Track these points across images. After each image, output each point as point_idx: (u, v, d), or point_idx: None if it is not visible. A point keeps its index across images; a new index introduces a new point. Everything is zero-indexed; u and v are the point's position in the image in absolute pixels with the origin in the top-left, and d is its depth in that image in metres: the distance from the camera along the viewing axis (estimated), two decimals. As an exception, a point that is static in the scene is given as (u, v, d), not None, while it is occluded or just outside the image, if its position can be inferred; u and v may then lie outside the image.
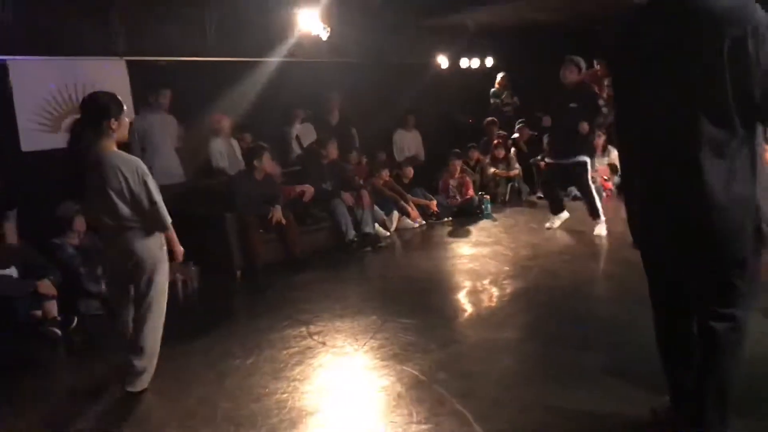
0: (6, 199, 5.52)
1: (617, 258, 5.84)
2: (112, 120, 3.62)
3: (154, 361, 3.76)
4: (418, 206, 8.27)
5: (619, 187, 8.91)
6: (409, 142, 9.98)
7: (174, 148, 7.02)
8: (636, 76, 2.35)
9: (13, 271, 5.01)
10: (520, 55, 10.80)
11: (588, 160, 6.81)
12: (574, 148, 6.73)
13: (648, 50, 2.29)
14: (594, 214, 6.73)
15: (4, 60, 6.30)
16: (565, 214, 7.22)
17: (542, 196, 7.76)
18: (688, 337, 2.48)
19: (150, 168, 6.47)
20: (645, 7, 2.33)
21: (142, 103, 7.01)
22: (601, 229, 6.66)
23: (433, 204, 8.41)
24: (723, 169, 2.15)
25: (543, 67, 11.15)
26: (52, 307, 5.02)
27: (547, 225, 7.19)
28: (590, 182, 6.78)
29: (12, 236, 5.20)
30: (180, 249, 3.89)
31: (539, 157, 7.90)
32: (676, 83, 2.21)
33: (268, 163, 6.64)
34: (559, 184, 7.32)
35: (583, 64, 6.72)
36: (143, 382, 3.69)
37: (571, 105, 6.64)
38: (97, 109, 3.61)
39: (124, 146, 6.72)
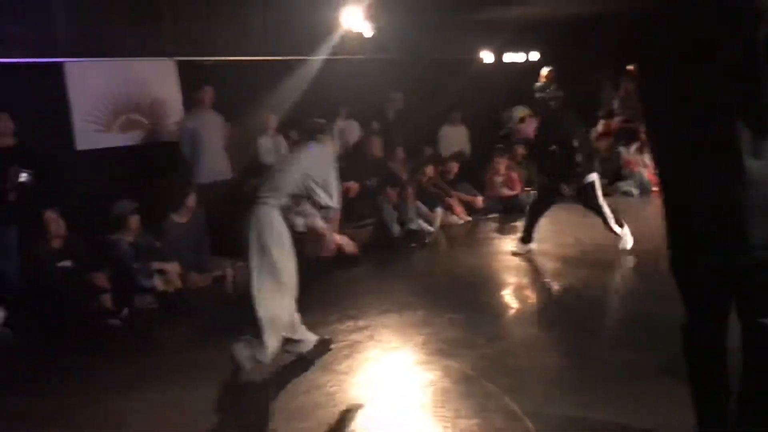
0: (50, 194, 5.72)
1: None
2: None
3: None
4: (464, 202, 8.23)
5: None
6: (455, 138, 9.94)
7: (222, 146, 7.09)
8: (672, 66, 2.27)
9: (67, 264, 5.22)
10: (566, 49, 10.66)
11: (596, 177, 5.98)
12: (582, 168, 5.86)
13: (687, 39, 2.22)
14: (611, 229, 5.91)
15: (61, 62, 6.50)
16: (533, 246, 6.24)
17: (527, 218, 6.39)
18: (723, 347, 2.38)
19: (197, 165, 6.75)
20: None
21: (188, 102, 7.15)
22: (625, 243, 5.86)
23: (479, 200, 8.36)
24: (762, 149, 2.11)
25: (588, 60, 11.10)
26: (107, 300, 5.20)
27: (514, 250, 6.28)
28: (600, 200, 5.94)
29: (61, 230, 5.37)
30: None
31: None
32: (715, 72, 2.14)
33: None
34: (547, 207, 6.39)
35: (522, 112, 6.11)
36: None
37: (550, 149, 5.90)
38: None
39: (173, 145, 7.03)
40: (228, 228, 6.40)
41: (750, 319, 2.26)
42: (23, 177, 5.46)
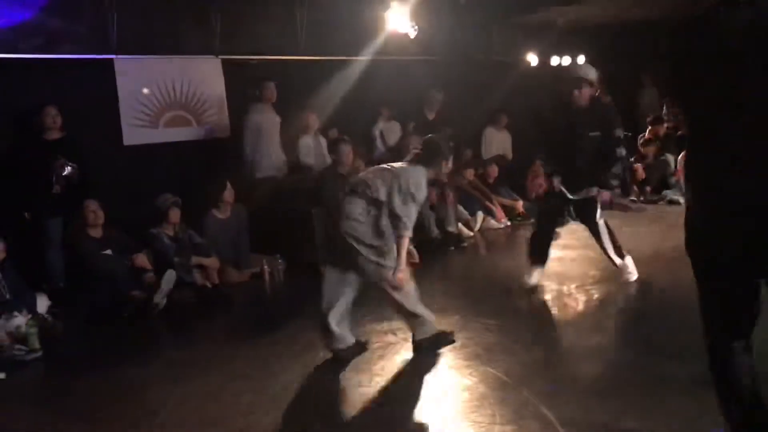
0: (95, 188, 5.85)
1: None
2: None
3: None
4: (504, 206, 8.13)
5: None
6: (498, 141, 9.83)
7: (279, 142, 7.26)
8: (722, 80, 2.16)
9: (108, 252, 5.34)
10: (614, 53, 10.46)
11: (604, 195, 5.28)
12: (587, 180, 5.16)
13: (734, 53, 2.11)
14: (609, 258, 5.23)
15: (111, 58, 6.64)
16: (542, 270, 5.39)
17: (532, 238, 5.51)
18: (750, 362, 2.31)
19: (258, 160, 6.86)
20: (724, 10, 2.15)
21: (247, 98, 7.21)
22: (628, 275, 5.19)
23: (519, 204, 8.24)
24: None
25: (637, 66, 10.88)
26: (151, 278, 5.35)
27: (528, 281, 5.30)
28: (599, 219, 5.22)
29: (99, 219, 5.49)
30: None
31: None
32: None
33: (346, 156, 6.67)
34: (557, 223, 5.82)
35: (593, 76, 5.14)
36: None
37: (591, 134, 5.03)
38: None
39: (217, 141, 7.13)
40: (269, 225, 6.51)
41: None
42: (68, 170, 5.59)
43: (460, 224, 7.40)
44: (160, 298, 5.20)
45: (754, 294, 2.25)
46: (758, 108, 2.09)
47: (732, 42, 2.11)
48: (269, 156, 7.09)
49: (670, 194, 8.83)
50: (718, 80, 2.16)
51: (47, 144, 5.76)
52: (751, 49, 2.06)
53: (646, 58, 10.15)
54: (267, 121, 7.10)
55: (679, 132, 9.31)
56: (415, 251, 4.31)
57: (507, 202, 8.23)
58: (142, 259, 5.39)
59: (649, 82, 11.05)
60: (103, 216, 5.51)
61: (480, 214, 7.89)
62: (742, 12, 2.08)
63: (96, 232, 5.44)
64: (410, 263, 4.12)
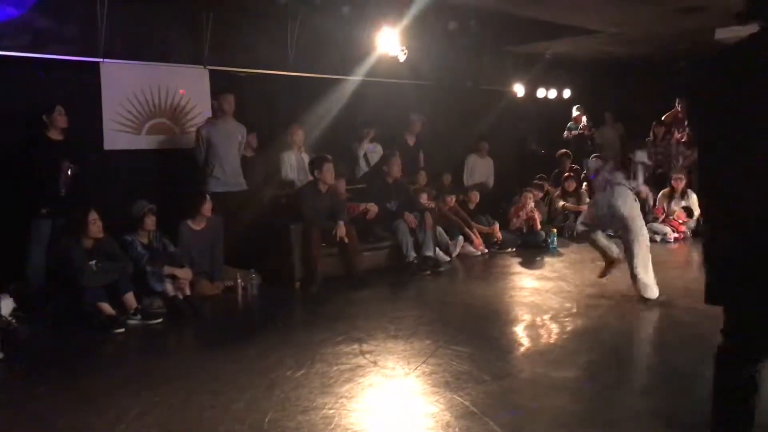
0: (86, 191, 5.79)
1: (687, 305, 5.55)
2: None
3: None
4: (482, 234, 8.16)
5: (695, 233, 8.57)
6: (480, 169, 9.90)
7: (240, 155, 6.92)
8: (730, 118, 2.25)
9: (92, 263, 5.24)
10: (599, 88, 10.64)
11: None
12: None
13: (741, 93, 2.20)
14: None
15: (97, 62, 6.60)
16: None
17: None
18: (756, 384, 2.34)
19: (218, 175, 6.70)
20: (736, 48, 2.25)
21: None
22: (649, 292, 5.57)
23: (496, 228, 8.27)
24: None
25: (623, 101, 11.06)
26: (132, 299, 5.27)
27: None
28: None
29: (99, 233, 5.37)
30: None
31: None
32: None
33: (329, 174, 6.67)
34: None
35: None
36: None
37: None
38: None
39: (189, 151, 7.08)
40: (245, 238, 6.45)
41: None
42: (70, 171, 5.56)
43: (438, 249, 7.40)
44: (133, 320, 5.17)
45: None
46: None
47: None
48: (219, 171, 6.64)
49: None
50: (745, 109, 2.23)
51: (53, 144, 5.76)
52: None
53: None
54: (219, 134, 6.66)
55: (660, 169, 9.45)
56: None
57: (485, 229, 8.26)
58: (130, 300, 5.31)
59: (611, 120, 11.24)
60: (101, 228, 5.36)
61: (460, 240, 7.91)
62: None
63: (88, 243, 5.32)
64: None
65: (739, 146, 2.26)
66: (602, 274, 6.04)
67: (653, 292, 5.55)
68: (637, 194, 5.88)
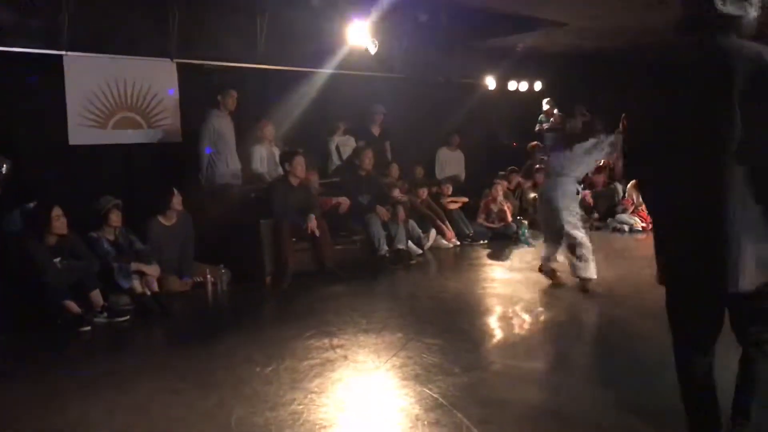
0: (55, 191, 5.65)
1: (658, 295, 5.61)
2: None
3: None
4: (453, 223, 8.19)
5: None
6: (451, 162, 9.93)
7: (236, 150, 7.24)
8: (667, 110, 2.38)
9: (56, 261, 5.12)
10: (569, 80, 10.70)
11: None
12: None
13: (680, 85, 2.34)
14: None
15: (60, 54, 6.45)
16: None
17: None
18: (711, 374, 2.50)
19: (222, 168, 6.80)
20: (680, 44, 2.45)
21: (203, 104, 7.15)
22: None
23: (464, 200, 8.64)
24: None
25: (593, 93, 11.13)
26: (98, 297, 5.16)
27: None
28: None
29: (63, 229, 5.27)
30: None
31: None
32: (702, 120, 2.27)
33: (299, 168, 6.62)
34: None
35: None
36: None
37: None
38: None
39: (166, 146, 6.98)
40: (216, 234, 6.38)
41: (743, 347, 2.42)
42: (4, 168, 5.37)
43: (410, 242, 7.40)
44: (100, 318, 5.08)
45: (714, 311, 2.44)
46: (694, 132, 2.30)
47: (681, 76, 2.34)
48: (226, 164, 7.03)
49: (614, 222, 9.04)
50: (665, 106, 2.38)
51: None
52: (697, 84, 2.29)
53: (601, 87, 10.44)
54: (226, 128, 7.06)
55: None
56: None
57: (459, 199, 8.56)
58: (96, 296, 5.20)
59: (579, 113, 11.32)
60: (66, 224, 5.23)
61: (432, 232, 7.93)
62: (692, 52, 2.35)
63: (51, 239, 5.19)
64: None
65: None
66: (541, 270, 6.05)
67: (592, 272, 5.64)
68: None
